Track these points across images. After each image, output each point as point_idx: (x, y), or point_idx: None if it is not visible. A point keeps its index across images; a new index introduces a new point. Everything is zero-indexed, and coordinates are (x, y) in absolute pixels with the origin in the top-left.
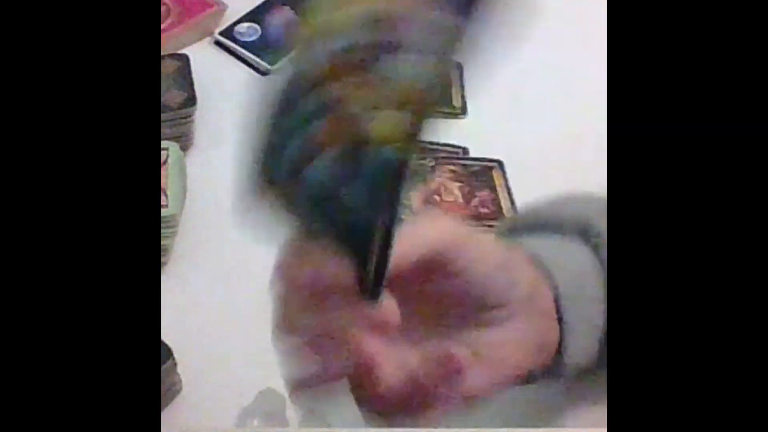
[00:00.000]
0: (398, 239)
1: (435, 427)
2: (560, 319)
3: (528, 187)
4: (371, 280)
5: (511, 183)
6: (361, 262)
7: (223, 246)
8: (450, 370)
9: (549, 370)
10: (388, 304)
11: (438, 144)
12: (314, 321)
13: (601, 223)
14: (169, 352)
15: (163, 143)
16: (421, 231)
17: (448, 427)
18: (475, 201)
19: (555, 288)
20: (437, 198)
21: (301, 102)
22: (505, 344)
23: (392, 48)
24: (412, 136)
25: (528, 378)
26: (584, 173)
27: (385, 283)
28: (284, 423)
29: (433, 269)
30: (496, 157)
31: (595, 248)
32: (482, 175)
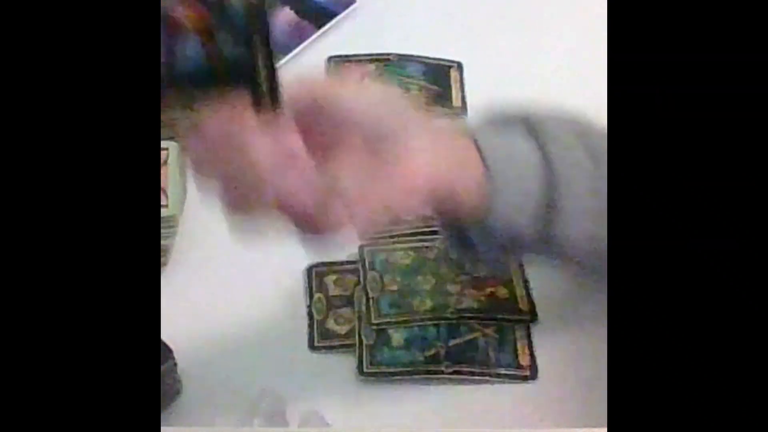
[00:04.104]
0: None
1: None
2: (487, 169)
3: None
4: (265, 92)
5: None
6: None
7: (222, 246)
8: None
9: (479, 221)
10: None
11: None
12: (229, 159)
13: (540, 114)
14: (169, 352)
15: (163, 143)
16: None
17: None
18: None
19: (479, 148)
20: None
21: None
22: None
23: None
24: None
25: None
26: None
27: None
28: (284, 423)
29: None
30: None
31: (540, 145)
32: None
